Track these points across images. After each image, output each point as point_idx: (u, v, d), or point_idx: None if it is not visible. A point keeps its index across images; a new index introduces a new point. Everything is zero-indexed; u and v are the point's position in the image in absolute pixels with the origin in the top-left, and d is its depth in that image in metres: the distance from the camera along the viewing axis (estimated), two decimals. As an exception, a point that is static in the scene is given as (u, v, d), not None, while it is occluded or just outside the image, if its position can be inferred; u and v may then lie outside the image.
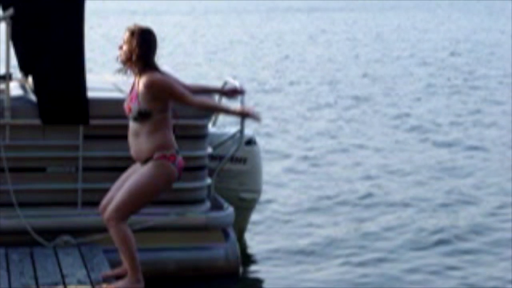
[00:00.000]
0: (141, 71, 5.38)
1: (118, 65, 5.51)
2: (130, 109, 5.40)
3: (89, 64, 7.32)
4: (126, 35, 5.41)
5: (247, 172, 7.31)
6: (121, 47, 5.42)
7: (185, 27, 37.37)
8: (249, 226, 7.96)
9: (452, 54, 27.28)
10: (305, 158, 11.87)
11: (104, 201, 5.60)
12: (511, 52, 27.79)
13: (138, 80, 5.39)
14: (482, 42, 32.07)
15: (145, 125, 5.36)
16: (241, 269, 6.83)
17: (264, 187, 9.80)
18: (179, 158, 5.45)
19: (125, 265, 5.53)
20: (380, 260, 7.53)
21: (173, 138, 5.44)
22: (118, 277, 5.59)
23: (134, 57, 5.33)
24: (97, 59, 22.71)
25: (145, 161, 5.37)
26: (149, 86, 5.28)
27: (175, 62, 23.48)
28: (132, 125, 5.45)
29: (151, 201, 5.50)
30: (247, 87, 18.51)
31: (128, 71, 5.48)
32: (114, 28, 34.85)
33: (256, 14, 44.67)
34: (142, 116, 5.33)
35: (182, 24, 39.16)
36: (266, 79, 20.33)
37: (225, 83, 7.50)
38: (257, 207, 8.90)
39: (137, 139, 5.41)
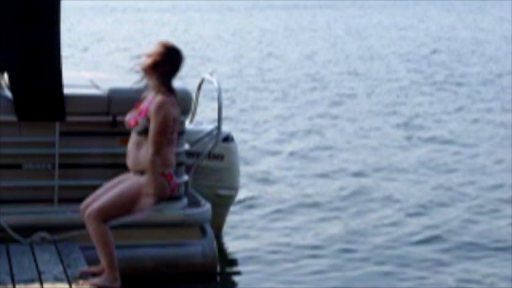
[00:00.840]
0: (158, 89, 5.34)
1: (130, 69, 5.50)
2: (136, 123, 5.36)
3: (68, 61, 7.28)
4: (158, 48, 5.35)
5: (224, 169, 7.31)
6: (147, 56, 5.35)
7: (165, 24, 37.27)
8: (232, 223, 7.97)
9: (434, 51, 27.39)
10: (290, 155, 11.86)
11: (87, 200, 5.59)
12: (493, 49, 27.96)
13: (153, 97, 5.36)
14: (464, 39, 32.22)
15: (148, 139, 5.35)
16: (218, 266, 6.82)
17: (247, 185, 9.85)
18: (175, 179, 5.44)
19: (103, 263, 5.53)
20: (365, 259, 7.52)
21: (173, 157, 5.42)
22: (95, 275, 5.58)
23: (157, 72, 5.29)
24: (76, 56, 22.62)
25: (141, 173, 5.36)
26: (157, 111, 5.25)
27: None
28: (135, 136, 5.43)
29: (134, 212, 5.48)
30: (228, 84, 18.50)
31: (143, 81, 5.45)
32: (94, 25, 34.71)
33: (237, 12, 44.62)
34: (147, 133, 5.32)
35: (162, 21, 39.06)
36: (248, 77, 20.33)
37: (203, 80, 7.51)
38: (240, 204, 8.92)
39: (138, 150, 5.38)
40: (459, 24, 40.29)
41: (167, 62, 5.32)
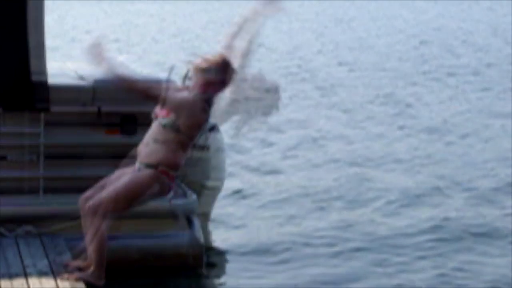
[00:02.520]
0: (202, 91, 5.25)
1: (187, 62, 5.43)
2: (167, 114, 5.25)
3: (55, 51, 7.24)
4: (218, 59, 5.29)
5: (210, 159, 7.30)
6: (205, 60, 5.26)
7: (153, 15, 37.18)
8: (221, 214, 7.97)
9: (423, 42, 27.39)
10: (281, 146, 11.80)
11: (87, 193, 5.50)
12: (481, 39, 28.00)
13: (189, 96, 5.26)
14: (452, 29, 32.25)
15: (169, 136, 5.24)
16: (205, 257, 6.81)
17: (238, 175, 9.82)
18: (174, 185, 5.41)
19: (91, 258, 5.47)
20: (358, 250, 7.53)
21: (183, 163, 5.34)
22: (80, 269, 5.54)
23: (205, 78, 5.20)
24: (63, 47, 22.53)
25: (146, 165, 5.27)
26: (195, 116, 5.18)
27: (141, 48, 23.41)
28: (158, 129, 5.30)
29: (133, 206, 5.41)
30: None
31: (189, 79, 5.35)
32: (82, 16, 34.59)
33: (224, 2, 44.47)
34: (172, 129, 5.21)
35: (150, 12, 38.95)
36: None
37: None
38: (229, 195, 8.90)
39: (156, 145, 5.26)
40: (446, 14, 40.31)
41: (218, 74, 5.22)
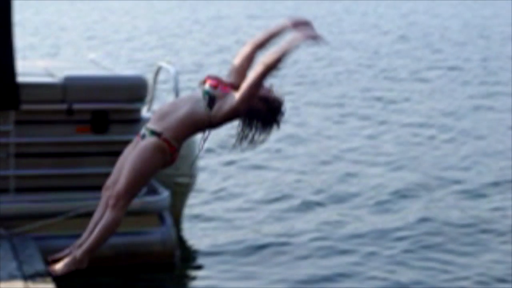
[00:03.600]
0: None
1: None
2: (215, 86, 4.68)
3: (27, 50, 7.19)
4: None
5: (182, 157, 7.22)
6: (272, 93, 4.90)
7: (127, 13, 37.03)
8: (193, 211, 7.95)
9: (401, 37, 27.45)
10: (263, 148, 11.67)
11: (109, 181, 5.18)
12: (455, 34, 28.16)
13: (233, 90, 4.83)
14: (426, 25, 32.40)
15: (195, 108, 4.67)
16: (177, 253, 6.82)
17: (212, 174, 9.77)
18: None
19: (87, 244, 5.11)
20: (336, 248, 7.54)
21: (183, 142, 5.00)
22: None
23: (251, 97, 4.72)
24: (38, 45, 22.40)
25: (151, 132, 4.73)
26: (235, 113, 4.70)
27: (114, 46, 23.28)
28: (189, 96, 4.74)
29: (146, 183, 5.08)
30: (194, 73, 18.28)
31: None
32: (54, 14, 34.38)
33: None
34: (208, 102, 4.64)
35: (124, 9, 38.80)
36: (214, 66, 20.23)
37: (159, 68, 7.47)
38: (202, 193, 8.87)
39: (174, 112, 4.73)
40: (417, 9, 40.38)
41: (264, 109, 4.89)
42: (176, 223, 7.19)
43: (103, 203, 4.79)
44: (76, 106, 6.47)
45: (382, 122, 13.21)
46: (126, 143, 6.42)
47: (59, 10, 35.41)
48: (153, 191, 6.79)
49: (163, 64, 7.36)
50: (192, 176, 7.45)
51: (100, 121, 6.53)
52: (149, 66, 14.60)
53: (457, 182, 9.78)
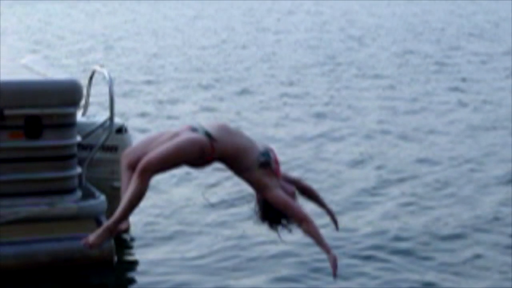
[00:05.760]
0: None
1: None
2: (276, 162, 4.80)
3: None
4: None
5: (118, 161, 7.27)
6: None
7: (68, 15, 36.65)
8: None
9: (349, 36, 27.70)
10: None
11: (129, 149, 5.10)
12: (393, 32, 28.53)
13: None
14: (363, 23, 32.76)
15: (250, 154, 4.72)
16: (115, 257, 6.84)
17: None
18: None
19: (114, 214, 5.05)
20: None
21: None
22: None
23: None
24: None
25: (207, 132, 4.68)
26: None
27: (51, 50, 23.05)
28: (259, 144, 4.85)
29: (179, 162, 4.79)
30: (135, 77, 18.14)
31: None
32: (21, 16, 33.87)
33: (144, 2, 44.04)
34: (263, 163, 4.72)
35: (66, 12, 38.39)
36: (156, 68, 20.17)
37: (93, 71, 7.48)
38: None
39: (241, 137, 4.83)
40: (354, 8, 40.76)
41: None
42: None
43: (124, 170, 4.79)
44: (8, 112, 6.44)
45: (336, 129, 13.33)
46: (60, 148, 6.55)
47: (20, 12, 34.80)
48: (89, 195, 6.81)
49: (97, 68, 7.36)
50: (128, 179, 7.44)
51: (33, 127, 6.51)
52: (86, 71, 14.53)
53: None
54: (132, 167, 4.73)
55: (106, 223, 4.70)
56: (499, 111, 14.57)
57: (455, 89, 16.98)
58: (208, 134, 4.63)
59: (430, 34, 28.54)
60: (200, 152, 4.61)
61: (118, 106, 8.93)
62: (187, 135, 4.65)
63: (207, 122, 4.71)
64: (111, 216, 4.65)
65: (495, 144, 11.90)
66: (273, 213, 4.71)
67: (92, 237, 4.60)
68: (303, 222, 4.52)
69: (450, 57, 22.23)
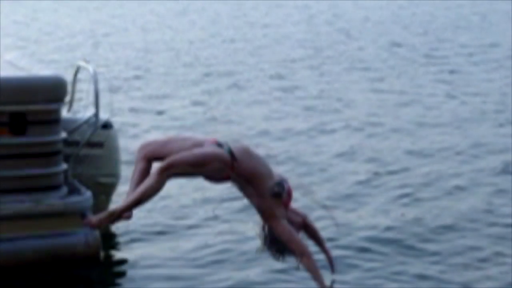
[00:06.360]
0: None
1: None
2: (289, 194, 4.96)
3: None
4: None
5: (104, 156, 7.25)
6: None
7: (41, 10, 36.47)
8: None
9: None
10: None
11: (147, 142, 5.17)
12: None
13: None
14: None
15: (267, 180, 4.91)
16: (102, 253, 6.79)
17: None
18: None
19: (127, 201, 5.04)
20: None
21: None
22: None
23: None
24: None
25: (230, 151, 4.85)
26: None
27: (38, 46, 22.94)
28: (276, 173, 5.01)
29: (197, 170, 4.91)
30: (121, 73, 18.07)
31: None
32: (7, 12, 33.68)
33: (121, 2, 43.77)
34: (278, 192, 4.90)
35: (51, 7, 38.24)
36: (143, 66, 20.06)
37: (78, 67, 7.41)
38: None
39: (260, 162, 5.00)
40: (341, 0, 40.64)
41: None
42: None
43: (139, 160, 4.83)
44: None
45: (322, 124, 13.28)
46: (46, 144, 6.48)
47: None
48: (75, 192, 6.75)
49: (82, 63, 7.29)
50: (115, 175, 7.41)
51: (18, 123, 6.44)
52: (73, 66, 14.40)
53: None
54: (147, 159, 4.87)
55: (112, 209, 4.78)
56: (487, 102, 14.58)
57: (443, 81, 16.98)
58: (231, 153, 4.80)
59: (417, 26, 28.56)
60: (220, 168, 4.78)
61: (107, 102, 8.87)
62: (213, 149, 4.82)
63: (233, 141, 4.92)
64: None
65: (484, 136, 11.90)
66: (277, 243, 4.88)
67: (94, 219, 4.64)
68: (304, 257, 4.68)
69: (438, 50, 22.24)
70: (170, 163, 4.75)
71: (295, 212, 4.94)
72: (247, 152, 4.90)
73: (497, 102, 14.59)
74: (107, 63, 19.39)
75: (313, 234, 4.97)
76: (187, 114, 13.66)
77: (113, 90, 15.56)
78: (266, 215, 4.89)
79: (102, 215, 4.67)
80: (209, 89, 16.09)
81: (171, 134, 5.14)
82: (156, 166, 4.72)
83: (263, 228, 4.94)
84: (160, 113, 13.79)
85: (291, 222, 4.87)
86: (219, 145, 4.85)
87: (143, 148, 4.91)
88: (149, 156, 4.87)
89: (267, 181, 4.85)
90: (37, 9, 36.66)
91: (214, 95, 15.39)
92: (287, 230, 4.80)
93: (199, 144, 4.90)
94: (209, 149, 4.83)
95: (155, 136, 11.92)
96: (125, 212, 4.79)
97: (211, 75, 17.92)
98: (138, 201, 4.75)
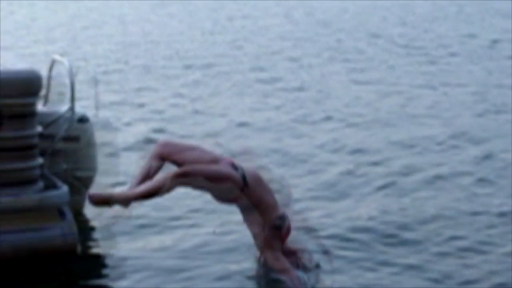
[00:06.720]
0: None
1: None
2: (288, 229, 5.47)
3: None
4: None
5: (81, 151, 7.19)
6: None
7: (31, 4, 36.24)
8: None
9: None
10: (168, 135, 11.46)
11: (166, 141, 5.27)
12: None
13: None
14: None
15: (273, 208, 5.48)
16: (79, 248, 6.71)
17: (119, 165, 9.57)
18: None
19: (133, 191, 5.19)
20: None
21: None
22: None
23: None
24: None
25: (244, 178, 5.29)
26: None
27: (12, 40, 22.76)
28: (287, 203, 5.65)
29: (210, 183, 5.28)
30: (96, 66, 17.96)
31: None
32: None
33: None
34: (279, 226, 5.45)
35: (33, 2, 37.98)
36: (121, 58, 19.92)
37: (53, 61, 7.32)
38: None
39: (271, 195, 5.55)
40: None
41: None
42: (78, 218, 7.05)
43: (154, 157, 4.94)
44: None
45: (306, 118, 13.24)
46: (21, 138, 6.38)
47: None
48: (51, 186, 6.67)
49: (57, 57, 7.21)
50: (92, 169, 7.33)
51: None
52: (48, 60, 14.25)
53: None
54: (161, 158, 5.12)
55: (115, 194, 4.88)
56: (467, 93, 14.61)
57: (423, 72, 17.00)
58: (244, 178, 5.10)
59: (395, 17, 28.62)
60: (231, 189, 5.11)
61: (90, 95, 8.81)
62: (229, 170, 5.13)
63: (247, 166, 5.30)
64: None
65: (464, 125, 11.91)
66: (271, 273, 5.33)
67: (96, 195, 5.10)
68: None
69: (417, 40, 22.27)
70: (188, 171, 5.00)
71: (290, 249, 5.32)
72: (259, 181, 5.22)
73: (476, 92, 14.63)
74: (86, 57, 19.24)
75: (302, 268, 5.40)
76: (168, 106, 13.60)
77: (94, 83, 15.42)
78: (263, 244, 5.19)
79: (103, 194, 4.82)
80: (189, 81, 16.03)
81: (193, 142, 5.53)
82: (172, 169, 5.03)
83: (259, 259, 5.30)
84: (140, 106, 13.69)
85: (289, 248, 5.32)
86: (235, 167, 5.12)
87: (162, 146, 5.13)
88: (165, 156, 5.11)
89: (270, 212, 5.25)
90: (14, 3, 36.37)
91: (194, 88, 15.33)
92: (280, 265, 5.17)
93: (216, 161, 5.21)
94: (225, 169, 5.12)
95: (140, 128, 11.84)
96: (125, 202, 4.89)
97: (191, 67, 17.86)
98: (143, 195, 4.91)
